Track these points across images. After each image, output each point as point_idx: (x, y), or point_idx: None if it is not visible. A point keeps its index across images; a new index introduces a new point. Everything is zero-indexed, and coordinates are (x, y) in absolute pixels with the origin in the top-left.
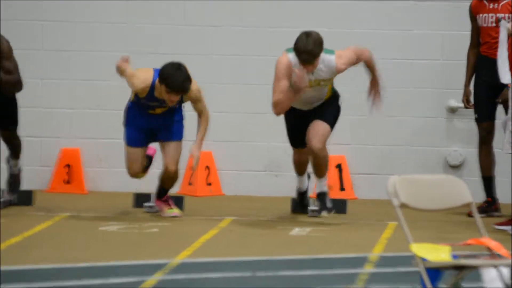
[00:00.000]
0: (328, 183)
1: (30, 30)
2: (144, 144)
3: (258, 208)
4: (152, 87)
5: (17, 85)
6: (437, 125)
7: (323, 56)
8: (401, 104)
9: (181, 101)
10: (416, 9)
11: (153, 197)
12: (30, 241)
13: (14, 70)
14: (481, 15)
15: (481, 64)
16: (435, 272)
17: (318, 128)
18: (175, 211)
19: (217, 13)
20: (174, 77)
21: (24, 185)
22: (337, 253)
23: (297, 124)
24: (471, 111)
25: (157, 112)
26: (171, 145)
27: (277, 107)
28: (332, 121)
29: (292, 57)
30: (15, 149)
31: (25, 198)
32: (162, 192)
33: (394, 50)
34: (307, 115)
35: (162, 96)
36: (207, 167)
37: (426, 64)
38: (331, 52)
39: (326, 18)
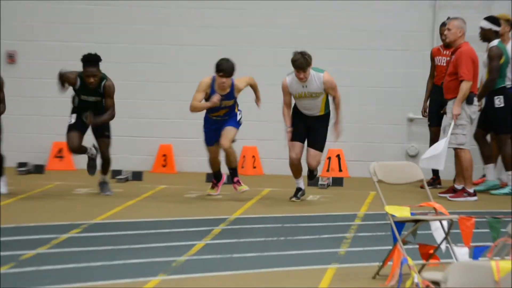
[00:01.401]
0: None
1: None
2: (217, 140)
3: (286, 183)
4: (213, 80)
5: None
6: (401, 129)
7: (314, 73)
8: (376, 115)
9: (234, 97)
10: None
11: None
12: (141, 202)
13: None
14: (437, 57)
15: (434, 88)
16: (400, 224)
17: (314, 154)
18: (244, 187)
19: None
20: (222, 62)
21: (137, 167)
22: (337, 212)
23: (299, 122)
24: (423, 120)
25: (221, 113)
26: (226, 128)
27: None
28: (323, 147)
29: (288, 79)
30: (106, 164)
31: (137, 176)
32: (232, 173)
33: (371, 77)
34: (307, 121)
35: (220, 88)
36: (253, 156)
37: (394, 89)
38: (321, 70)
39: (305, 34)
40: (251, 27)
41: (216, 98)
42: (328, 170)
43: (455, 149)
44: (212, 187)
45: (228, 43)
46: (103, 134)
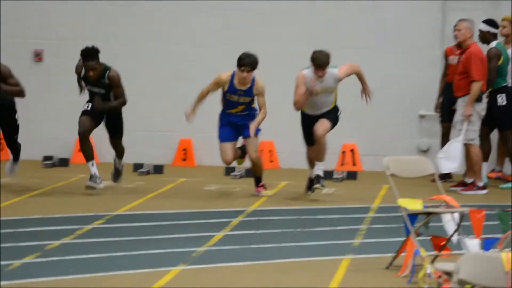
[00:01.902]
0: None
1: None
2: (233, 139)
3: (302, 177)
4: (233, 75)
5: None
6: (412, 125)
7: (330, 70)
8: (389, 111)
9: (252, 94)
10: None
11: (237, 169)
12: (162, 195)
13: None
14: (450, 56)
15: (446, 86)
16: (412, 216)
17: (322, 122)
18: (269, 192)
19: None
20: (244, 55)
21: (158, 161)
22: (351, 204)
23: (309, 126)
24: (434, 117)
25: (239, 109)
26: (252, 139)
27: (296, 105)
28: (333, 121)
29: (306, 72)
30: (120, 153)
31: (159, 169)
32: (257, 180)
33: (383, 76)
34: (315, 120)
35: (240, 83)
36: (270, 151)
37: (406, 87)
38: (335, 67)
39: (320, 35)
40: (268, 28)
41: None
42: (342, 164)
43: (465, 144)
44: (241, 157)
45: (248, 43)
46: (115, 134)
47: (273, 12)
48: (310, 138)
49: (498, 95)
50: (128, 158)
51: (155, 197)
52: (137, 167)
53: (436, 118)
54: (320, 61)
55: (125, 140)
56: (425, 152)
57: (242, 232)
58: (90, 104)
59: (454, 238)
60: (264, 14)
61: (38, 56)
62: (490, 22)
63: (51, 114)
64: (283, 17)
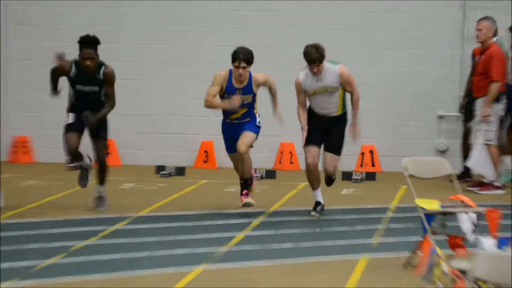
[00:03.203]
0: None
1: None
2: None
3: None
4: (230, 73)
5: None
6: (431, 126)
7: (329, 65)
8: (407, 112)
9: (253, 91)
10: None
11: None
12: (184, 196)
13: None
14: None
15: (470, 87)
16: (430, 216)
17: (331, 159)
18: (251, 201)
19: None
20: (238, 49)
21: (180, 163)
22: (369, 205)
23: (315, 124)
24: (452, 118)
25: (239, 114)
26: (245, 132)
27: (299, 116)
28: (340, 151)
29: (302, 76)
30: (102, 163)
31: (180, 171)
32: (243, 185)
33: (402, 76)
34: (323, 124)
35: (237, 80)
36: (290, 152)
37: (425, 87)
38: (335, 63)
39: (338, 34)
40: (284, 29)
41: (237, 100)
42: (361, 165)
43: (484, 144)
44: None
45: (261, 43)
46: (99, 134)
47: (289, 13)
48: (312, 136)
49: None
50: (150, 161)
51: (177, 199)
52: (159, 169)
53: (455, 119)
54: (311, 56)
55: (147, 143)
56: (443, 152)
57: (262, 232)
58: (71, 115)
59: (471, 237)
60: (283, 15)
61: (60, 59)
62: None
63: None
64: (298, 18)
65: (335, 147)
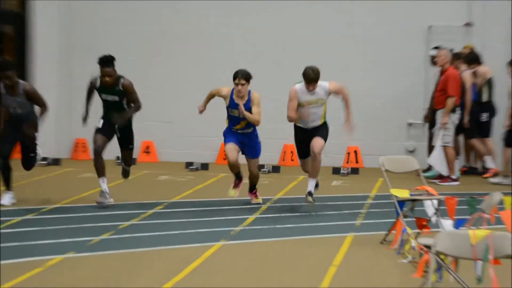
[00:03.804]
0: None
1: None
2: (237, 144)
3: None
4: (232, 91)
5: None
6: (403, 131)
7: (321, 83)
8: (385, 120)
9: (250, 107)
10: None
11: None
12: (209, 186)
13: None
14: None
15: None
16: (401, 202)
17: (317, 141)
18: (259, 200)
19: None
20: (238, 70)
21: (205, 160)
22: (354, 193)
23: (302, 140)
24: (418, 125)
25: (242, 125)
26: (254, 161)
27: (289, 118)
28: (325, 137)
29: (298, 86)
30: (127, 168)
31: (205, 167)
32: (252, 188)
33: (383, 93)
34: (308, 134)
35: (238, 96)
36: (292, 152)
37: (398, 100)
38: (326, 81)
39: (315, 44)
40: (299, 37)
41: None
42: (348, 162)
43: (442, 146)
44: (234, 187)
45: (295, 52)
46: (127, 146)
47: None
48: (303, 151)
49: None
50: (181, 158)
51: (202, 188)
52: (188, 165)
53: (421, 126)
54: (310, 77)
55: (179, 144)
56: (412, 152)
57: (270, 215)
58: (102, 121)
59: (433, 219)
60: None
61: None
62: (438, 48)
63: None
64: (316, 22)
65: (320, 135)
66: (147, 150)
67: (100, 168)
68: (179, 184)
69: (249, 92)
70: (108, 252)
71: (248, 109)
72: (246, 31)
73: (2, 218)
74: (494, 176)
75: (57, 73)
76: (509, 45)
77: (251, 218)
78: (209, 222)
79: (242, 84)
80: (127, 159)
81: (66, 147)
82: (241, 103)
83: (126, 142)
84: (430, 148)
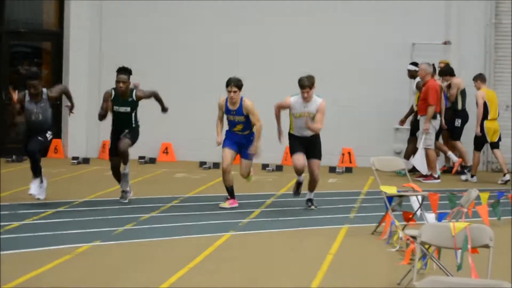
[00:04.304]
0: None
1: None
2: (234, 149)
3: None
4: (226, 100)
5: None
6: (391, 135)
7: (315, 98)
8: (375, 126)
9: (242, 113)
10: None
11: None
12: (220, 183)
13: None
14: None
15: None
16: (390, 198)
17: (316, 163)
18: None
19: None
20: (230, 77)
21: (216, 160)
22: (348, 189)
23: (296, 144)
24: (404, 130)
25: (239, 128)
26: (247, 162)
27: (275, 108)
28: (320, 155)
29: (292, 99)
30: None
31: (217, 166)
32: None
33: (373, 102)
34: (304, 143)
35: (231, 103)
36: None
37: (388, 109)
38: (320, 96)
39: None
40: (301, 49)
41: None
42: (342, 162)
43: (425, 148)
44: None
45: (316, 56)
46: (125, 136)
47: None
48: (295, 150)
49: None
50: (195, 157)
51: (214, 185)
52: (202, 164)
53: (406, 130)
54: (304, 82)
55: (194, 145)
56: (398, 154)
57: (273, 209)
58: (111, 141)
59: (418, 213)
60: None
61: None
62: (414, 64)
63: (144, 126)
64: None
65: (318, 155)
66: (165, 150)
67: (119, 178)
68: (194, 181)
69: (241, 98)
70: (130, 241)
71: (241, 114)
72: (262, 42)
73: (37, 210)
74: (461, 167)
75: (88, 83)
76: (481, 60)
77: (257, 211)
78: (220, 214)
79: (234, 92)
80: (120, 146)
81: (95, 148)
82: (251, 149)
83: (126, 134)
84: (414, 151)
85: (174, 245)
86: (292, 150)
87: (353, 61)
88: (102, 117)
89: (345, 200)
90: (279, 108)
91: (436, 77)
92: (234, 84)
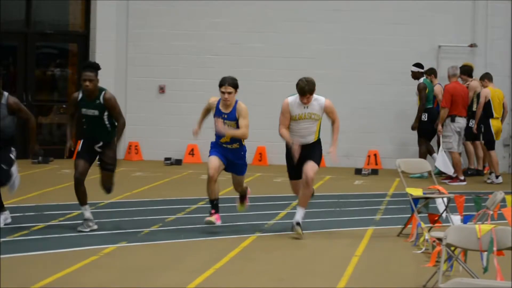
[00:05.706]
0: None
1: None
2: (221, 158)
3: (340, 173)
4: (219, 100)
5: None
6: (416, 137)
7: (316, 97)
8: (400, 129)
9: (235, 118)
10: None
11: None
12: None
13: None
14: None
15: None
16: (416, 200)
17: (311, 165)
18: (242, 207)
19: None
20: (225, 76)
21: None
22: (374, 191)
23: (293, 161)
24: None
25: (227, 139)
26: (238, 178)
27: (280, 133)
28: (318, 161)
29: (291, 99)
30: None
31: None
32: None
33: (398, 106)
34: (301, 153)
35: (223, 105)
36: None
37: (410, 113)
38: (323, 97)
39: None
40: (327, 54)
41: (219, 123)
42: (368, 164)
43: (448, 151)
44: (211, 216)
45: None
46: (106, 167)
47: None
48: (295, 172)
49: (423, 114)
50: None
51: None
52: None
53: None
54: (303, 89)
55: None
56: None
57: None
58: (82, 144)
59: (444, 215)
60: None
61: (161, 90)
62: (418, 65)
63: (170, 128)
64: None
65: (314, 158)
66: (191, 152)
67: (82, 197)
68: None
69: (236, 102)
70: (156, 242)
71: (233, 119)
72: (282, 47)
73: (63, 211)
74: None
75: (114, 83)
76: (508, 63)
77: (283, 213)
78: (246, 216)
79: (229, 92)
80: (105, 182)
81: (121, 149)
82: (225, 112)
83: (106, 163)
84: (422, 153)
85: (200, 247)
86: (290, 172)
87: (381, 64)
88: (69, 123)
89: (371, 202)
90: (284, 126)
91: (435, 79)
92: (229, 83)
